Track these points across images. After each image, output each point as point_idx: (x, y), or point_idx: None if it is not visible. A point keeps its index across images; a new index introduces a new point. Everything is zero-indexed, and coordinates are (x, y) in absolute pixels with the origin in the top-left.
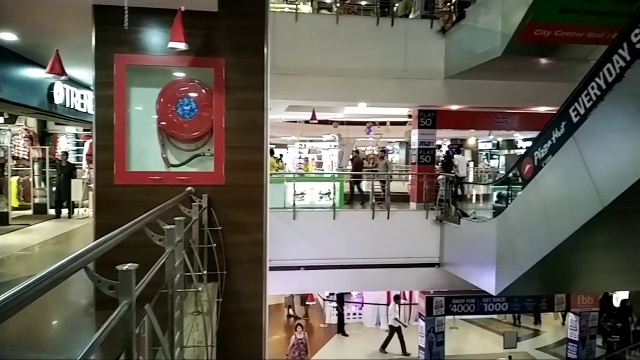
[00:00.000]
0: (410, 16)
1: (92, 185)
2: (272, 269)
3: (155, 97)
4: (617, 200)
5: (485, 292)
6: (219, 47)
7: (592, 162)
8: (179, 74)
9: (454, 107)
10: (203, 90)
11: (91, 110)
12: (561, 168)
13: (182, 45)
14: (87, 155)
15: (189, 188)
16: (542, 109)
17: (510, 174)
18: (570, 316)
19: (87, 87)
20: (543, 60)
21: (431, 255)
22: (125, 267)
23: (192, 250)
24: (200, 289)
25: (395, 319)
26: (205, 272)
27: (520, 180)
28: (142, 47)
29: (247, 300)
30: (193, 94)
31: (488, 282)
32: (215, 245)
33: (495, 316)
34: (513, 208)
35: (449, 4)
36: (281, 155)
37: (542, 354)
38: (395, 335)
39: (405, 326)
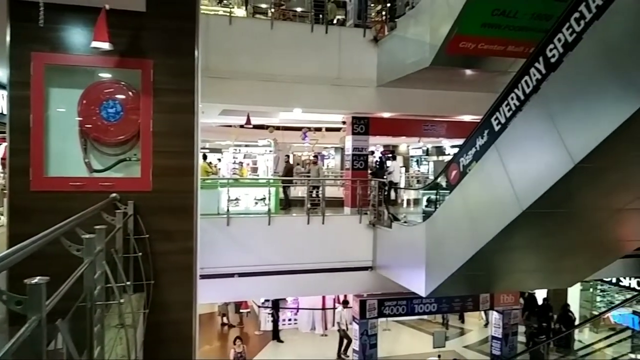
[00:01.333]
0: (347, 24)
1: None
2: (204, 277)
3: (77, 99)
4: (535, 205)
5: (416, 294)
6: (146, 48)
7: (511, 168)
8: (105, 75)
9: (386, 115)
10: (130, 93)
11: (6, 111)
12: (484, 174)
13: (105, 45)
14: (1, 159)
15: (114, 194)
16: (467, 118)
17: (439, 179)
18: (494, 314)
19: (1, 87)
20: (468, 72)
21: (365, 259)
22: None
23: (115, 260)
24: (122, 300)
25: (338, 323)
26: (129, 282)
27: (447, 185)
28: (62, 46)
29: (176, 311)
30: (119, 96)
31: (418, 284)
32: (141, 254)
33: (425, 317)
34: (441, 212)
35: (381, 13)
36: (219, 160)
37: (468, 352)
38: (339, 338)
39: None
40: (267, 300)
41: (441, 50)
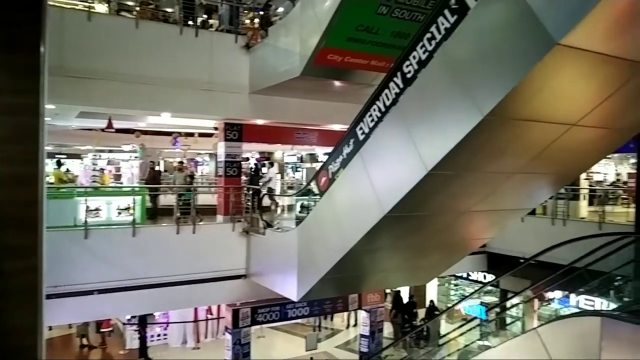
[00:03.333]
0: (219, 29)
1: None
2: (57, 296)
3: None
4: (395, 209)
5: (289, 299)
6: None
7: (374, 175)
8: None
9: (260, 122)
10: None
11: None
12: (350, 180)
13: None
14: None
15: None
16: (337, 127)
17: (311, 186)
18: (362, 313)
19: None
20: (337, 83)
21: (238, 267)
22: None
23: None
24: None
25: None
26: None
27: (318, 191)
28: None
29: (17, 338)
30: None
31: (290, 289)
32: None
33: (300, 321)
34: (311, 217)
35: (253, 21)
36: (85, 167)
37: (339, 351)
38: None
39: None
40: (133, 317)
41: (310, 61)
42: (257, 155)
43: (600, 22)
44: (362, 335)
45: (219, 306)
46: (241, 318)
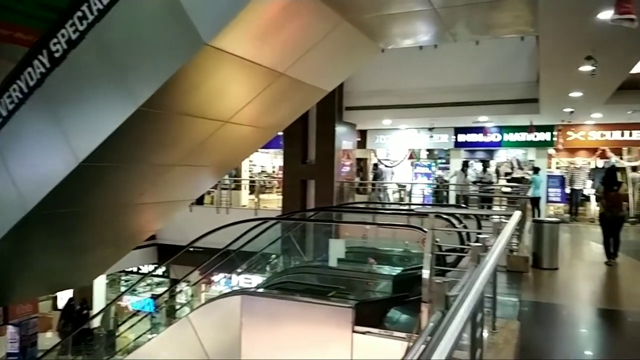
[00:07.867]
0: None
1: None
2: None
3: None
4: (42, 205)
5: None
6: None
7: (15, 166)
8: None
9: None
10: None
11: None
12: None
13: None
14: None
15: None
16: None
17: None
18: (10, 328)
19: None
20: None
21: None
22: None
23: None
24: None
25: None
26: None
27: None
28: None
29: None
30: None
31: None
32: None
33: None
34: None
35: None
36: None
37: None
38: None
39: None
40: None
41: None
42: None
43: (243, 29)
44: (10, 354)
45: None
46: None
